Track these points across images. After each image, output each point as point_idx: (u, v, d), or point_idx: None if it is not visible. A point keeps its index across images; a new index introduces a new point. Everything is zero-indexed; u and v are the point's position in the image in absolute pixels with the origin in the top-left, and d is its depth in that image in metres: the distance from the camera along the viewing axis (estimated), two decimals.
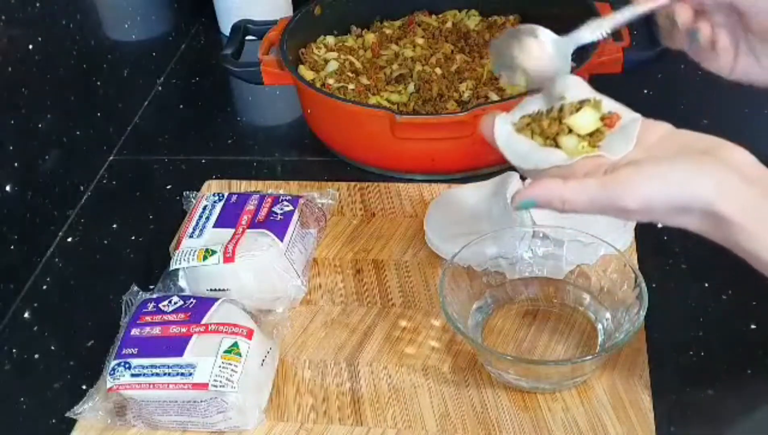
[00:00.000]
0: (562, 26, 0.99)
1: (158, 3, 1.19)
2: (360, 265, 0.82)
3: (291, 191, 0.89)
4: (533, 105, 0.64)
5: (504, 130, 0.62)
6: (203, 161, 1.00)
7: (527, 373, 0.68)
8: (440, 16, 1.11)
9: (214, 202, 0.82)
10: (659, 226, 0.82)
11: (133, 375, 0.67)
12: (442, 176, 0.91)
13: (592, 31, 0.64)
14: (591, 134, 0.60)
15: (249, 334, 0.69)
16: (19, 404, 0.73)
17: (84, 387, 0.71)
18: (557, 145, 0.60)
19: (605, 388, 0.68)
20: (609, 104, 0.62)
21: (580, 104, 0.61)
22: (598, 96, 0.62)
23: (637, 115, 0.61)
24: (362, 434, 0.67)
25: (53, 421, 0.71)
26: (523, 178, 0.82)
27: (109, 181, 0.99)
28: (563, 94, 0.62)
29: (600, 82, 0.82)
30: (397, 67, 1.01)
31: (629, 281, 0.70)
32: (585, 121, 0.60)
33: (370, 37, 1.07)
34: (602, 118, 0.60)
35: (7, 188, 0.81)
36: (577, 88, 0.63)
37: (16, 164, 0.83)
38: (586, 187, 0.56)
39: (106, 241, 0.90)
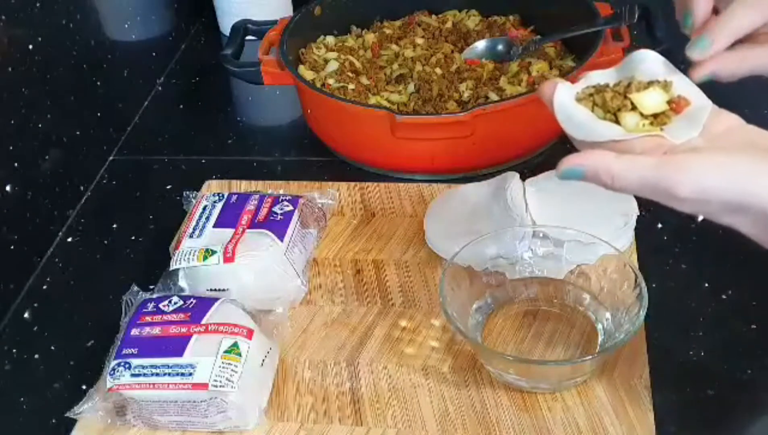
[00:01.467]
0: (562, 26, 1.00)
1: (158, 3, 1.19)
2: (360, 265, 0.82)
3: (291, 191, 0.89)
4: (600, 78, 0.61)
5: (564, 96, 0.59)
6: (203, 161, 1.00)
7: (527, 373, 0.68)
8: (440, 16, 1.11)
9: (214, 202, 0.82)
10: (659, 226, 0.83)
11: (133, 375, 0.67)
12: (442, 176, 0.91)
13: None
14: (655, 115, 0.57)
15: (249, 334, 0.69)
16: (19, 404, 0.73)
17: (84, 387, 0.71)
18: (617, 121, 0.57)
19: (605, 388, 0.68)
20: (681, 87, 0.59)
21: (649, 84, 0.58)
22: (672, 77, 0.59)
23: (708, 103, 0.58)
24: (362, 434, 0.67)
25: (53, 421, 0.71)
26: (523, 178, 0.83)
27: (109, 181, 0.99)
28: (635, 69, 0.59)
29: None
30: (397, 67, 1.01)
31: (629, 281, 0.70)
32: (651, 100, 0.57)
33: (370, 37, 1.07)
34: (670, 102, 0.58)
35: (7, 188, 0.82)
36: (652, 63, 0.60)
37: (16, 164, 0.83)
38: (639, 165, 0.53)
39: (106, 241, 0.90)
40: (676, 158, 0.52)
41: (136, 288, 0.76)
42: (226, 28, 1.19)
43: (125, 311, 0.74)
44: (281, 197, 0.83)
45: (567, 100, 0.59)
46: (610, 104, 0.58)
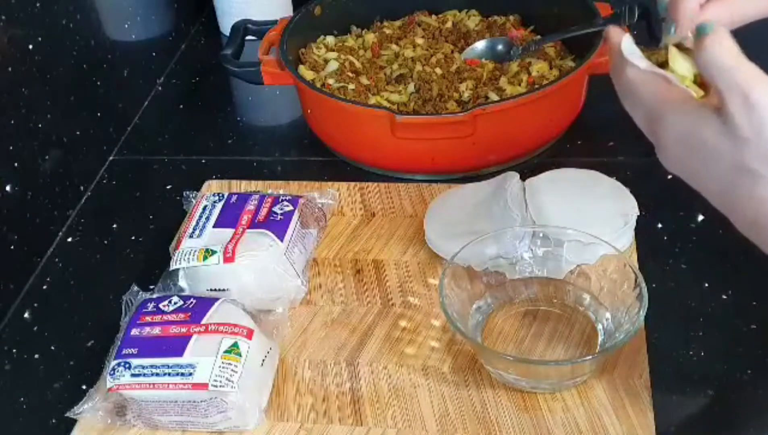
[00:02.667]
0: (562, 26, 1.00)
1: (158, 3, 1.18)
2: (360, 265, 0.82)
3: (291, 191, 0.89)
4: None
5: (630, 43, 0.61)
6: (203, 161, 1.00)
7: (527, 373, 0.68)
8: (440, 16, 1.10)
9: (214, 202, 0.82)
10: (659, 226, 0.83)
11: (133, 375, 0.67)
12: (442, 176, 0.91)
13: None
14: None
15: (249, 334, 0.69)
16: (19, 404, 0.73)
17: (84, 387, 0.71)
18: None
19: (605, 388, 0.68)
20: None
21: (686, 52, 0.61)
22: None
23: None
24: (362, 434, 0.67)
25: (53, 421, 0.71)
26: (523, 178, 0.83)
27: (109, 181, 0.99)
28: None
29: (600, 82, 0.82)
30: (397, 67, 1.01)
31: (629, 281, 0.70)
32: (683, 66, 0.60)
33: (370, 37, 1.07)
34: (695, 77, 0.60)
35: (7, 188, 0.82)
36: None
37: (16, 164, 0.83)
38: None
39: (106, 241, 0.90)
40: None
41: (136, 288, 0.76)
42: (226, 28, 1.19)
43: (125, 311, 0.74)
44: (281, 197, 0.83)
45: (631, 46, 0.61)
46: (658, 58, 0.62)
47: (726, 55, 0.52)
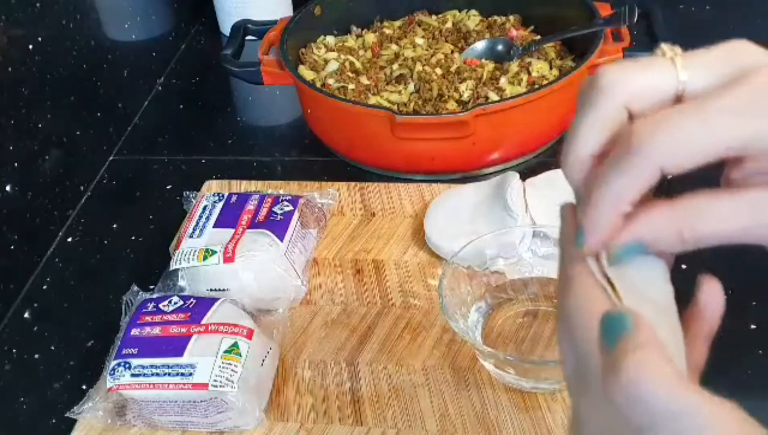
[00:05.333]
0: (562, 26, 1.00)
1: (158, 3, 1.19)
2: (360, 265, 0.82)
3: (291, 191, 0.89)
4: None
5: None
6: (203, 161, 1.00)
7: (527, 373, 0.68)
8: (440, 16, 1.11)
9: (214, 202, 0.82)
10: None
11: (133, 375, 0.66)
12: (442, 176, 0.91)
13: None
14: None
15: (249, 334, 0.69)
16: (19, 404, 0.73)
17: (84, 387, 0.71)
18: None
19: None
20: None
21: None
22: None
23: None
24: (362, 434, 0.67)
25: (53, 420, 0.71)
26: (523, 178, 0.82)
27: (109, 181, 0.99)
28: None
29: None
30: (397, 67, 1.01)
31: None
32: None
33: (370, 37, 1.07)
34: None
35: (7, 188, 0.82)
36: None
37: (16, 164, 0.83)
38: None
39: (106, 241, 0.90)
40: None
41: (136, 288, 0.76)
42: (226, 28, 1.19)
43: (125, 311, 0.74)
44: (281, 197, 0.83)
45: None
46: None
47: (659, 390, 0.34)
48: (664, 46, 0.38)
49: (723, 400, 0.35)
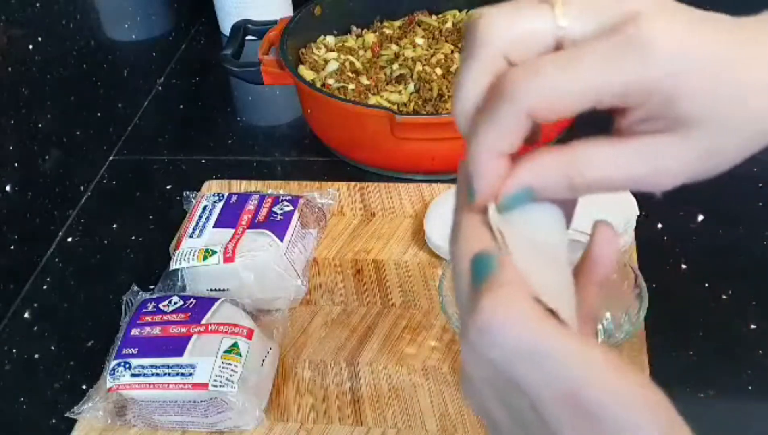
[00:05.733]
0: None
1: (158, 3, 1.18)
2: (360, 265, 0.82)
3: (291, 191, 0.89)
4: None
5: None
6: (203, 161, 1.00)
7: None
8: (440, 16, 1.10)
9: (214, 202, 0.82)
10: (659, 226, 0.83)
11: (133, 375, 0.66)
12: (442, 176, 0.91)
13: None
14: None
15: (249, 334, 0.68)
16: (19, 404, 0.73)
17: (84, 387, 0.71)
18: None
19: None
20: None
21: None
22: None
23: None
24: (362, 434, 0.67)
25: (53, 420, 0.71)
26: None
27: (109, 181, 0.99)
28: None
29: None
30: (397, 67, 1.01)
31: (629, 281, 0.70)
32: None
33: (370, 37, 1.07)
34: None
35: (7, 188, 0.82)
36: None
37: (16, 164, 0.83)
38: None
39: (106, 241, 0.90)
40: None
41: (136, 288, 0.76)
42: (226, 28, 1.19)
43: (125, 311, 0.74)
44: (281, 197, 0.82)
45: None
46: None
47: (512, 327, 0.33)
48: None
49: (593, 341, 0.35)
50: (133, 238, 0.90)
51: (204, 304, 0.71)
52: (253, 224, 0.79)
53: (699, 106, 0.35)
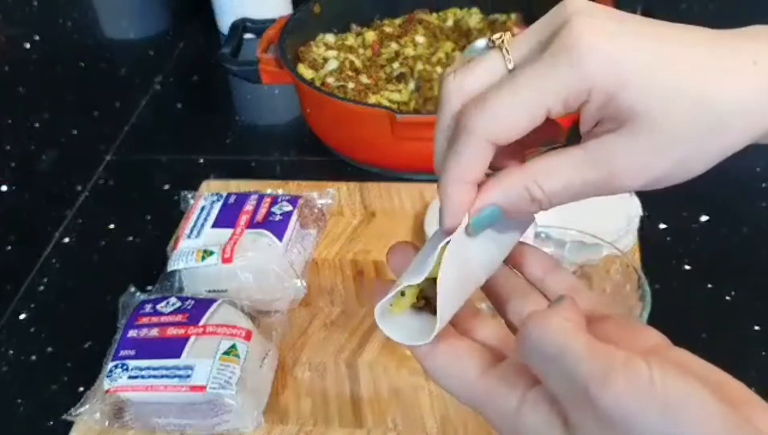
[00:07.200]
0: None
1: (156, 2, 1.18)
2: (360, 266, 0.81)
3: (290, 191, 0.88)
4: None
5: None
6: (201, 161, 0.99)
7: None
8: (441, 14, 1.10)
9: (213, 202, 0.82)
10: (662, 226, 0.82)
11: (130, 377, 0.66)
12: None
13: None
14: None
15: (247, 336, 0.68)
16: (16, 406, 0.73)
17: (81, 389, 0.71)
18: None
19: None
20: None
21: None
22: None
23: None
24: None
25: (50, 423, 0.70)
26: None
27: (106, 181, 0.98)
28: None
29: None
30: (398, 65, 1.01)
31: (632, 282, 0.69)
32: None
33: (370, 36, 1.07)
34: None
35: (4, 188, 0.81)
36: None
37: (12, 164, 0.83)
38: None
39: (103, 242, 0.90)
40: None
41: (133, 289, 0.75)
42: (224, 26, 1.18)
43: (122, 312, 0.73)
44: (280, 197, 0.82)
45: None
46: None
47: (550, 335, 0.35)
48: (494, 36, 0.40)
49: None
50: (130, 238, 0.89)
51: (202, 305, 0.70)
52: (251, 224, 0.78)
53: (637, 96, 0.36)
